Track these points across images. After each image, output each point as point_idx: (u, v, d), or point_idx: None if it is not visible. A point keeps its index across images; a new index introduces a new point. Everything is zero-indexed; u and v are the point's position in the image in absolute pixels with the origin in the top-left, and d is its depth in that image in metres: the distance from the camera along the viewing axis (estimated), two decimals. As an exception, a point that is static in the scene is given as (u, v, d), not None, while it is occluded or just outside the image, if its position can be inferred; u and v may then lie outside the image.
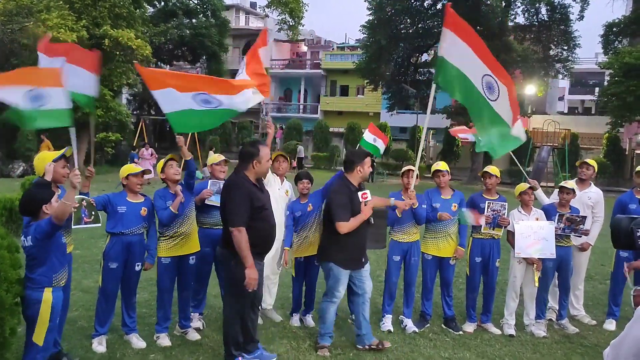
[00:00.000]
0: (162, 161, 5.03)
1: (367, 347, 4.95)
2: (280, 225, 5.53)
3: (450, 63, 4.88)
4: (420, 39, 32.04)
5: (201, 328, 5.26)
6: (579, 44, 32.97)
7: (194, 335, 5.05)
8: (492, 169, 5.75)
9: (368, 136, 7.68)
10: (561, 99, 52.70)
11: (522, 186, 5.76)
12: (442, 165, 5.71)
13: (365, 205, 4.76)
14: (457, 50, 4.83)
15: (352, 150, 5.84)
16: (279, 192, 5.64)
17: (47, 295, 3.65)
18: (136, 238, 4.76)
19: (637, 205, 6.00)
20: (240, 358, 4.36)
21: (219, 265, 5.16)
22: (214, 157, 5.48)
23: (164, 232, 4.93)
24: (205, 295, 5.48)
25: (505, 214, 5.60)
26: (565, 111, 49.60)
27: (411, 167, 5.64)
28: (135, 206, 4.76)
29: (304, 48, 49.40)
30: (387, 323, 5.60)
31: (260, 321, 5.52)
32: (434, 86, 5.24)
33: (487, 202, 5.62)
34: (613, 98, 28.37)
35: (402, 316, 5.73)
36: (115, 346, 4.77)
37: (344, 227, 4.64)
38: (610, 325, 6.07)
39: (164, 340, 4.91)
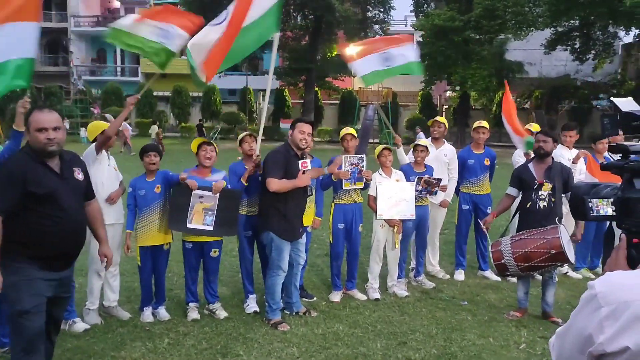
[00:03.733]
0: None
1: (295, 313, 4.99)
2: (118, 204, 4.84)
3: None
4: (245, -2, 31.23)
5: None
6: (393, 6, 34.98)
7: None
8: (353, 131, 5.52)
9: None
10: (378, 59, 55.92)
11: (379, 148, 5.63)
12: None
13: (303, 174, 4.67)
14: None
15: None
16: (109, 169, 4.79)
17: None
18: None
19: (474, 160, 6.29)
20: None
21: None
22: None
23: None
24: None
25: (364, 166, 5.40)
26: (382, 71, 52.74)
27: (251, 133, 5.31)
28: None
29: (116, 3, 45.40)
30: (252, 304, 5.15)
31: (98, 321, 4.71)
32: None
33: (343, 156, 5.36)
34: (426, 58, 30.67)
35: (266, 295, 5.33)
36: None
37: (273, 183, 4.57)
38: (460, 275, 6.35)
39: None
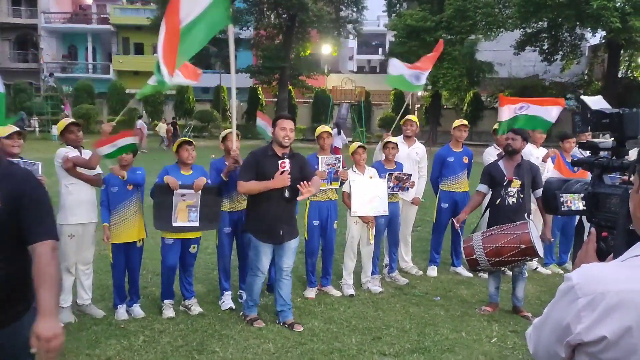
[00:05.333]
0: None
1: (281, 323, 4.74)
2: (90, 202, 4.79)
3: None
4: (218, -5, 31.04)
5: None
6: (366, 6, 35.14)
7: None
8: (329, 129, 5.57)
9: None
10: (351, 58, 56.13)
11: (353, 146, 5.69)
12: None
13: (281, 174, 4.43)
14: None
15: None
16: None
17: None
18: None
19: (454, 158, 6.38)
20: None
21: None
22: (3, 130, 4.33)
23: None
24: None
25: (341, 167, 5.48)
26: (355, 70, 53.02)
27: (232, 131, 5.23)
28: None
29: (88, 0, 44.58)
30: (228, 301, 5.15)
31: (72, 319, 4.66)
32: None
33: (320, 157, 5.42)
34: (399, 57, 30.91)
35: (240, 291, 5.34)
36: None
37: (240, 186, 4.53)
38: (433, 271, 6.44)
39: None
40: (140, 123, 25.09)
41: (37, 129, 26.37)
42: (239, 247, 5.31)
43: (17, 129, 4.37)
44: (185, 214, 4.76)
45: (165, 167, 4.93)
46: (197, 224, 4.83)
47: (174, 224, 4.75)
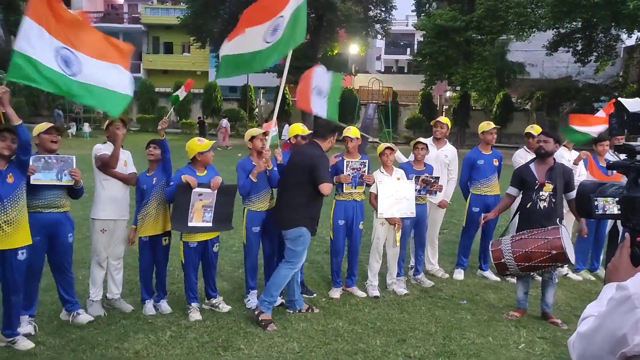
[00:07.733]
0: None
1: (297, 311, 5.01)
2: (123, 199, 4.91)
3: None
4: (247, -5, 31.28)
5: (33, 333, 4.31)
6: (395, 5, 34.95)
7: (25, 344, 4.10)
8: (354, 132, 5.54)
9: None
10: (378, 58, 55.89)
11: (381, 147, 5.66)
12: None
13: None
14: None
15: (326, 120, 5.35)
16: (118, 165, 4.85)
17: None
18: None
19: (484, 161, 6.28)
20: None
21: None
22: (42, 125, 4.45)
23: None
24: (37, 292, 4.51)
25: (366, 171, 5.47)
26: (382, 70, 52.78)
27: (261, 130, 5.30)
28: None
29: (119, 0, 45.38)
30: (253, 299, 5.16)
31: (102, 312, 4.76)
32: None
33: (345, 161, 5.42)
34: (427, 57, 30.68)
35: (251, 291, 5.33)
36: None
37: (329, 188, 4.78)
38: (459, 275, 6.37)
39: (-16, 356, 3.90)
40: (225, 122, 25.89)
41: (71, 131, 26.79)
42: (265, 246, 5.33)
43: (51, 124, 4.48)
44: (200, 214, 4.74)
45: (178, 170, 4.85)
46: (210, 224, 4.80)
47: (189, 224, 4.72)
